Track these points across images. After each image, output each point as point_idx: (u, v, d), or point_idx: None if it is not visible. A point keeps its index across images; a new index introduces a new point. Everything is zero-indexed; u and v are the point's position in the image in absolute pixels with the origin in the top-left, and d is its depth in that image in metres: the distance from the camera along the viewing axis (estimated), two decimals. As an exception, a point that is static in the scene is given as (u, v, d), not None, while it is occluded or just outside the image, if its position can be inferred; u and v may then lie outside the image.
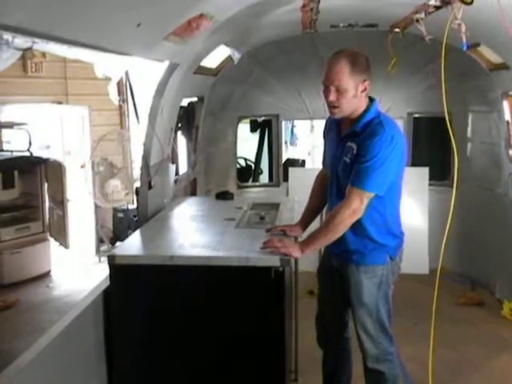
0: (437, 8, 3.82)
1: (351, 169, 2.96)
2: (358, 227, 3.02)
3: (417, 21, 4.20)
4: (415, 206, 6.44)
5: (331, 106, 2.98)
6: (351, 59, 2.91)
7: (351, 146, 2.98)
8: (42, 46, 2.90)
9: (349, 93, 2.90)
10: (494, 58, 5.28)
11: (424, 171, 6.47)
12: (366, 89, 2.96)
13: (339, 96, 2.92)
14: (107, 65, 3.76)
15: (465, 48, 3.24)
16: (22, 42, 3.16)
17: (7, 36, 2.99)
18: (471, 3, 2.91)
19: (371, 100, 3.07)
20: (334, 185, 3.16)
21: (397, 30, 5.09)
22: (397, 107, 6.68)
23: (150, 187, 4.10)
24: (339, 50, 3.00)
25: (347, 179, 2.99)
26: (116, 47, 2.71)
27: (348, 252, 3.11)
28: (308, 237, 3.06)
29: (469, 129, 6.20)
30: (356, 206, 2.89)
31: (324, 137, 3.41)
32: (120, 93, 6.59)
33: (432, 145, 6.80)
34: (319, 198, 3.44)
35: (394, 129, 3.00)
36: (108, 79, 4.50)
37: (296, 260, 3.50)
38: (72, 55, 3.05)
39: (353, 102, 2.94)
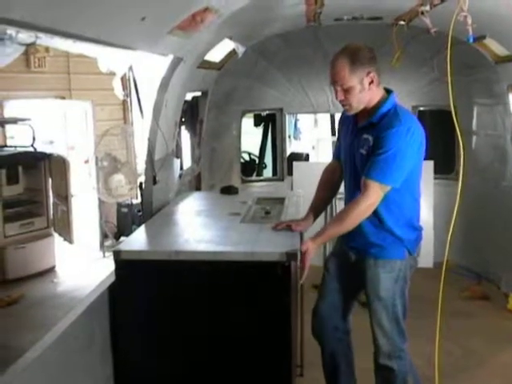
0: (442, 0, 3.79)
1: (366, 160, 2.95)
2: (376, 220, 3.02)
3: (422, 13, 4.17)
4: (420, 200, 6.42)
5: (343, 105, 3.00)
6: (350, 56, 2.90)
7: (367, 138, 2.96)
8: (45, 40, 2.88)
9: (355, 89, 2.90)
10: (500, 51, 5.24)
11: (429, 164, 6.43)
12: (372, 80, 2.93)
13: (346, 94, 2.92)
14: (111, 59, 3.74)
15: (471, 40, 3.21)
16: (25, 36, 3.14)
17: (11, 31, 2.97)
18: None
19: (388, 92, 3.07)
20: (352, 177, 3.13)
21: (402, 22, 5.06)
22: (401, 100, 6.56)
23: (154, 182, 4.09)
24: (341, 48, 2.99)
25: (361, 170, 2.98)
26: (120, 41, 2.70)
27: (367, 245, 3.08)
28: (324, 230, 3.05)
29: (474, 122, 6.18)
30: (373, 200, 2.89)
31: (339, 128, 3.38)
32: (124, 87, 6.57)
33: (437, 138, 6.75)
34: (328, 189, 3.42)
35: (412, 120, 3.00)
36: (112, 74, 4.49)
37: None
38: (76, 50, 3.04)
39: (362, 96, 2.93)
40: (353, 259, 3.22)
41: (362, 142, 2.99)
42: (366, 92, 2.93)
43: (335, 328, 3.40)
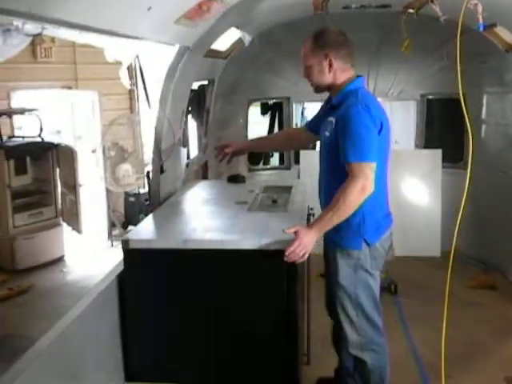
0: (451, -12, 3.76)
1: (330, 143, 3.04)
2: (330, 196, 3.04)
3: (431, 1, 4.14)
4: (428, 189, 6.42)
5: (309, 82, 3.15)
6: (315, 37, 3.06)
7: (331, 120, 3.04)
8: (52, 31, 2.89)
9: (313, 69, 3.06)
10: (511, 39, 5.20)
11: (437, 153, 6.42)
12: (331, 64, 3.01)
13: (309, 72, 3.09)
14: (118, 49, 3.74)
15: (481, 29, 3.19)
16: (32, 27, 3.15)
17: (17, 22, 2.98)
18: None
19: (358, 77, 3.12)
20: (323, 160, 3.21)
21: (411, 10, 5.01)
22: (410, 89, 6.64)
23: (161, 171, 4.10)
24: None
25: (327, 153, 3.10)
26: (127, 31, 2.70)
27: (329, 234, 3.09)
28: (319, 219, 2.97)
29: (483, 110, 6.14)
30: (362, 181, 2.85)
31: (321, 106, 3.45)
32: (130, 77, 6.57)
33: (445, 127, 6.74)
34: (274, 141, 3.74)
35: (371, 100, 3.03)
36: (119, 64, 4.49)
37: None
38: (83, 40, 3.05)
39: (320, 77, 3.07)
40: (325, 250, 3.26)
41: (326, 124, 3.09)
42: (325, 75, 3.04)
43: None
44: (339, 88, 3.06)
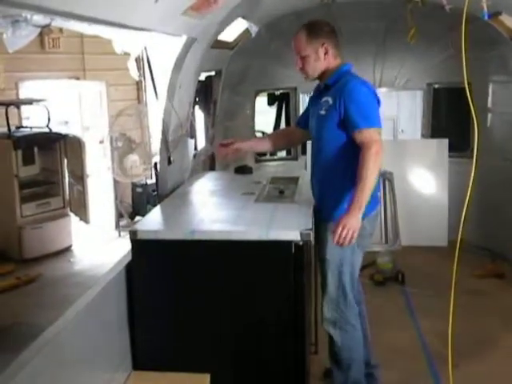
0: (457, -23, 3.74)
1: (326, 120, 3.16)
2: (328, 180, 3.23)
3: (437, -11, 4.13)
4: (435, 178, 6.41)
5: (301, 73, 3.29)
6: (307, 28, 3.21)
7: (326, 99, 3.19)
8: (60, 22, 2.90)
9: (310, 58, 3.19)
10: (517, 27, 5.18)
11: (444, 143, 6.41)
12: (327, 51, 3.19)
13: (303, 62, 3.22)
14: (126, 41, 3.75)
15: (486, 17, 3.19)
16: (40, 18, 3.16)
17: (26, 13, 2.99)
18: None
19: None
20: (315, 141, 3.34)
21: (416, -1, 5.00)
22: (416, 78, 6.61)
23: (169, 162, 4.12)
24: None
25: (322, 131, 3.20)
26: (135, 23, 2.71)
27: (321, 207, 3.28)
28: (352, 200, 2.98)
29: (489, 99, 6.12)
30: (376, 146, 2.98)
31: (309, 99, 3.61)
32: (138, 68, 6.57)
33: (452, 116, 6.73)
34: (275, 140, 3.78)
35: (364, 80, 3.22)
36: (127, 55, 4.49)
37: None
38: (91, 31, 3.06)
39: (317, 65, 3.21)
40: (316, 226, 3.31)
41: (321, 104, 3.21)
42: (321, 62, 3.20)
43: None
44: (333, 70, 3.23)
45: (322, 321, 3.39)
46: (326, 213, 3.25)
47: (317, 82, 3.36)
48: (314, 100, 3.38)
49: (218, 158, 3.52)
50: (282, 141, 3.89)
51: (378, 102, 3.17)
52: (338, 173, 3.17)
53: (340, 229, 2.94)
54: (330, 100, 3.14)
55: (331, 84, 3.20)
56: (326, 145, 3.22)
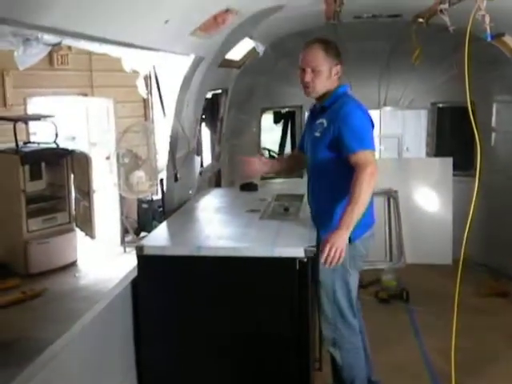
0: (460, -1, 3.80)
1: (320, 142, 3.19)
2: (319, 202, 3.29)
3: (441, 11, 4.17)
4: (439, 197, 6.43)
5: (306, 86, 3.26)
6: (324, 45, 3.22)
7: (321, 121, 3.22)
8: (71, 41, 2.95)
9: (323, 74, 3.20)
10: (520, 48, 5.23)
11: (448, 161, 6.45)
12: (338, 72, 3.23)
13: (314, 77, 3.20)
14: (135, 59, 3.81)
15: (489, 39, 3.22)
16: (51, 37, 3.21)
17: (37, 33, 3.04)
18: (493, -1, 2.89)
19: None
20: (311, 164, 3.37)
21: (421, 20, 5.05)
22: (421, 97, 6.67)
23: (176, 179, 4.15)
24: (312, 39, 3.29)
25: (316, 153, 3.24)
26: (145, 43, 2.76)
27: (316, 227, 3.32)
28: (342, 218, 2.99)
29: (493, 118, 6.16)
30: (371, 168, 2.98)
31: (306, 122, 3.66)
32: (146, 86, 6.64)
33: (456, 135, 6.75)
34: (292, 161, 3.85)
35: (359, 101, 3.24)
36: (135, 73, 4.55)
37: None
38: (101, 50, 3.11)
39: (326, 82, 3.22)
40: None
41: (317, 126, 3.24)
42: (330, 81, 3.23)
43: None
44: (331, 92, 3.26)
45: (323, 341, 3.42)
46: (321, 232, 3.26)
47: (311, 102, 3.42)
48: (310, 121, 3.43)
49: (242, 172, 3.55)
50: (296, 164, 3.85)
51: (372, 124, 3.21)
52: (332, 194, 3.21)
53: (327, 248, 2.93)
54: (325, 122, 3.19)
55: (327, 106, 3.23)
56: (320, 166, 3.26)
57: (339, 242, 2.93)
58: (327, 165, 3.21)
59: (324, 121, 3.20)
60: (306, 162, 3.50)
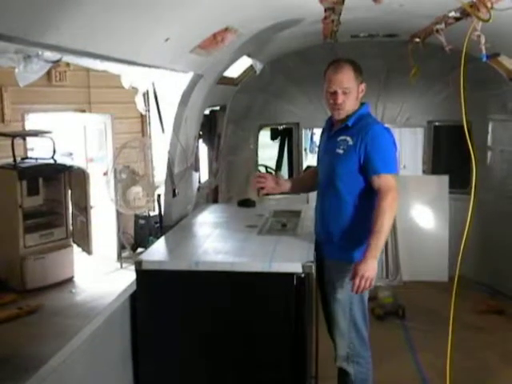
0: (456, 19, 3.85)
1: (345, 160, 3.18)
2: (335, 220, 3.25)
3: (437, 31, 4.23)
4: (435, 214, 6.46)
5: (338, 108, 3.24)
6: (353, 65, 3.23)
7: (344, 138, 3.22)
8: (71, 58, 2.99)
9: (352, 94, 3.21)
10: (515, 68, 5.29)
11: (444, 179, 6.49)
12: (363, 90, 3.26)
13: (345, 98, 3.20)
14: (134, 76, 3.85)
15: (484, 59, 3.27)
16: (51, 54, 3.25)
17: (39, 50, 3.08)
18: (488, 21, 2.93)
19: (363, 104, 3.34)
20: (326, 176, 3.34)
21: (417, 40, 5.12)
22: (417, 116, 6.72)
23: (174, 195, 4.17)
24: (337, 59, 3.28)
25: (337, 169, 3.21)
26: (146, 61, 2.79)
27: (328, 248, 3.31)
28: (369, 247, 3.02)
29: (489, 137, 6.21)
30: (392, 193, 3.05)
31: (320, 138, 3.64)
32: (145, 103, 6.68)
33: (452, 153, 6.81)
34: (308, 181, 3.76)
35: (384, 125, 3.32)
36: (133, 89, 4.59)
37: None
38: (101, 67, 3.15)
39: (354, 102, 3.26)
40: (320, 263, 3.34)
41: (339, 143, 3.23)
42: (357, 101, 3.26)
43: None
44: (355, 111, 3.26)
45: (334, 359, 3.38)
46: (332, 250, 3.28)
47: (323, 117, 3.43)
48: (329, 137, 3.38)
49: (253, 187, 3.57)
50: (312, 183, 3.71)
51: (395, 147, 3.23)
52: (352, 213, 3.21)
53: (358, 279, 2.99)
54: (350, 140, 3.18)
55: (351, 125, 3.22)
56: (341, 184, 3.23)
57: (369, 272, 2.99)
58: (349, 183, 3.20)
59: (348, 138, 3.19)
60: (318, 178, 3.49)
